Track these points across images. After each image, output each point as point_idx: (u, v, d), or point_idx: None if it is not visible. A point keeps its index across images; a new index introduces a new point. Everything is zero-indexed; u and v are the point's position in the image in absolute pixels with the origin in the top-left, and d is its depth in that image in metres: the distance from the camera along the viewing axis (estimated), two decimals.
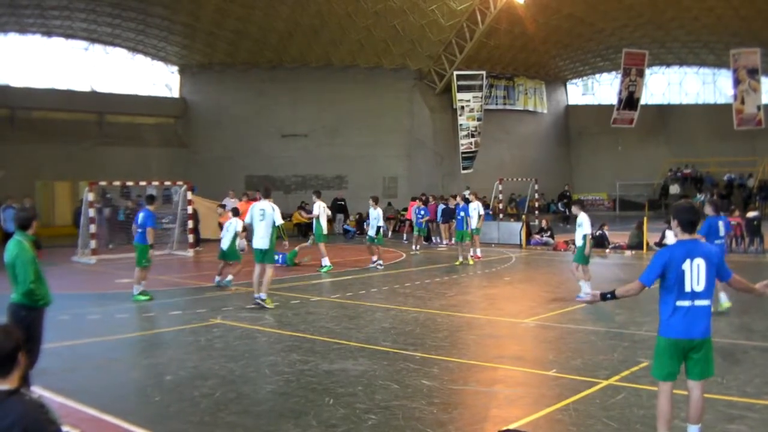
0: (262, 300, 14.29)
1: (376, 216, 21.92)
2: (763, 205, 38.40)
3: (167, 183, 28.85)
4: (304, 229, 34.14)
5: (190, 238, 26.17)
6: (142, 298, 15.45)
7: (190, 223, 26.25)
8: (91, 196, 24.07)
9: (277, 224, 14.67)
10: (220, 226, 27.56)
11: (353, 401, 8.05)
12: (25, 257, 7.72)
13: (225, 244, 17.58)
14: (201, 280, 19.09)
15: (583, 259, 15.01)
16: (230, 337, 11.67)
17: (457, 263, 22.09)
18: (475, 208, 23.90)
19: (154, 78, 41.89)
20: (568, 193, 41.13)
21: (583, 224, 15.08)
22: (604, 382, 8.64)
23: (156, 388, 8.75)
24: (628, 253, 25.05)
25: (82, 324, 12.84)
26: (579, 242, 15.19)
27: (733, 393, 8.17)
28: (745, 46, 41.00)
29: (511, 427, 7.03)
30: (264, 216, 14.58)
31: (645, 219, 26.46)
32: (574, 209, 15.80)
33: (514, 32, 39.94)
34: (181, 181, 27.50)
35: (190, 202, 26.35)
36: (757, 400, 7.80)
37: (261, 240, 14.54)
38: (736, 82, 41.94)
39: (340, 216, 36.29)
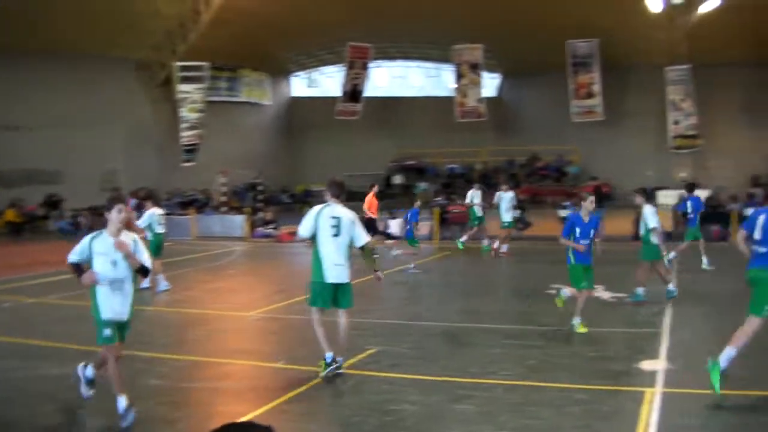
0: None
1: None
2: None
3: None
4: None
5: None
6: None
7: None
8: None
9: None
10: None
11: (76, 406, 7.85)
12: None
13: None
14: None
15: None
16: None
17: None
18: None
19: None
20: (260, 186, 37.90)
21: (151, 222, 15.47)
22: None
23: None
24: None
25: None
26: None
27: (459, 374, 8.76)
28: (468, 42, 43.58)
29: (238, 421, 7.19)
30: None
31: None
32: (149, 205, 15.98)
33: (237, 23, 39.78)
34: None
35: None
36: (482, 379, 8.45)
37: None
38: (459, 76, 44.59)
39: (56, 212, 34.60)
